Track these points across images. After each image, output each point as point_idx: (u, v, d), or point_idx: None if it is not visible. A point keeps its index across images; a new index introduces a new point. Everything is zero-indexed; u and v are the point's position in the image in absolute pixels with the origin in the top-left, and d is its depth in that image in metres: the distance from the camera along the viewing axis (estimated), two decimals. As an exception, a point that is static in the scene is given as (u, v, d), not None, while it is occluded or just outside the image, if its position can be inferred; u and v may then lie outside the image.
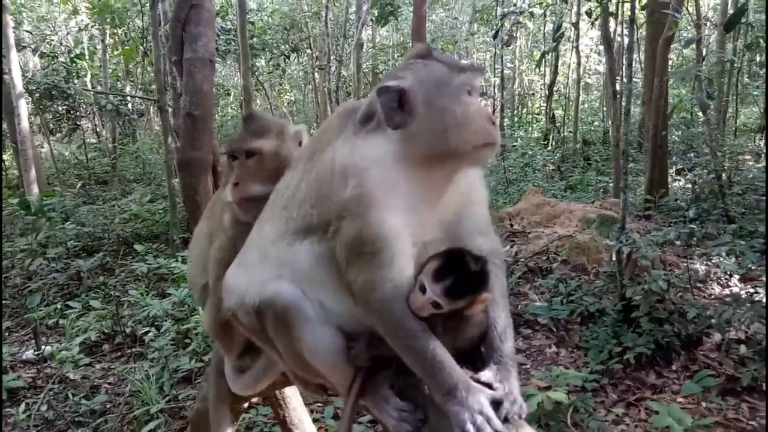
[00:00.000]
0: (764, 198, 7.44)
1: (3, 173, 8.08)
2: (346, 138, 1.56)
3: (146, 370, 5.51)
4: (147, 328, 6.22)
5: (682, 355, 5.22)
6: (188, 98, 2.62)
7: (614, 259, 5.92)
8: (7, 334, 7.05)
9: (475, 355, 1.59)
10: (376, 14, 14.06)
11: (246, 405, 2.67)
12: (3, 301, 7.54)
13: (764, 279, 5.75)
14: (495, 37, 13.66)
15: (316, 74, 21.40)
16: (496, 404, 1.42)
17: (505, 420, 1.39)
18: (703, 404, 4.54)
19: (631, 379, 5.05)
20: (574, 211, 8.16)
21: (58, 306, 7.26)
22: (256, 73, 19.37)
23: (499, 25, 13.17)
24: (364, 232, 1.45)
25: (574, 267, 6.93)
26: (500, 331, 1.57)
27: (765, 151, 6.86)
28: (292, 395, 2.61)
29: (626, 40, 8.31)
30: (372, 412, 1.59)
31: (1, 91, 10.64)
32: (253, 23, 18.44)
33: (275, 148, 1.88)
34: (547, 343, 5.81)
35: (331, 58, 18.91)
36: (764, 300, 5.03)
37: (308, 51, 21.28)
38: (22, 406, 5.25)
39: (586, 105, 25.05)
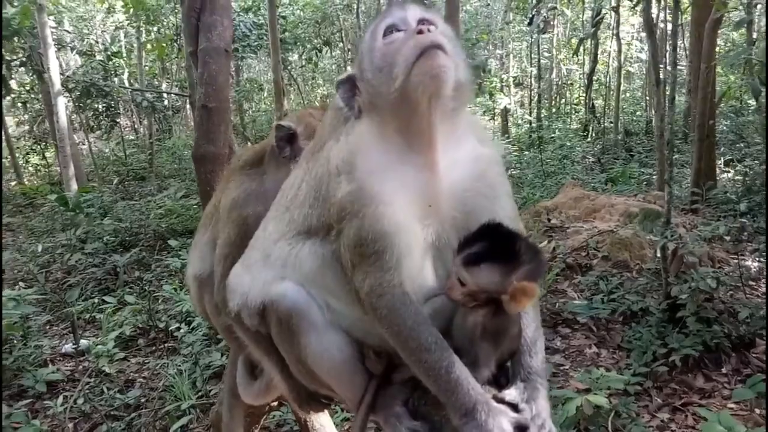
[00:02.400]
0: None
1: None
2: (337, 135, 1.48)
3: (179, 366, 5.53)
4: (179, 324, 6.25)
5: (732, 357, 4.92)
6: (203, 90, 2.51)
7: (659, 255, 5.62)
8: (47, 327, 7.21)
9: (500, 370, 1.44)
10: (409, 5, 13.88)
11: (267, 409, 2.58)
12: (44, 295, 7.71)
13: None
14: (530, 24, 13.29)
15: (348, 67, 21.32)
16: (522, 429, 1.28)
17: None
18: (757, 411, 4.25)
19: (677, 383, 4.79)
20: (616, 205, 7.82)
21: (96, 300, 7.38)
22: (289, 68, 19.42)
23: (534, 12, 12.78)
24: (364, 231, 1.34)
25: (615, 264, 6.64)
26: (530, 344, 1.42)
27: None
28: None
29: (670, 25, 7.90)
30: (384, 429, 1.46)
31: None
32: (284, 17, 18.47)
33: None
34: (586, 343, 5.57)
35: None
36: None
37: (340, 44, 21.19)
38: (60, 399, 5.34)
39: (627, 94, 24.25)
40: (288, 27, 19.25)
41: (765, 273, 5.21)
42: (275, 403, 2.60)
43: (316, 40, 20.51)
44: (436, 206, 1.40)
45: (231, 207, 1.94)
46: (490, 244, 1.30)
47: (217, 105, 2.52)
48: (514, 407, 1.33)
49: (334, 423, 2.77)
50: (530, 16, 13.43)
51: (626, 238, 6.73)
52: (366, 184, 1.36)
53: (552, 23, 17.82)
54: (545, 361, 1.45)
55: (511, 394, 1.35)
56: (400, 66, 1.31)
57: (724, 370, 4.87)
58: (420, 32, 1.31)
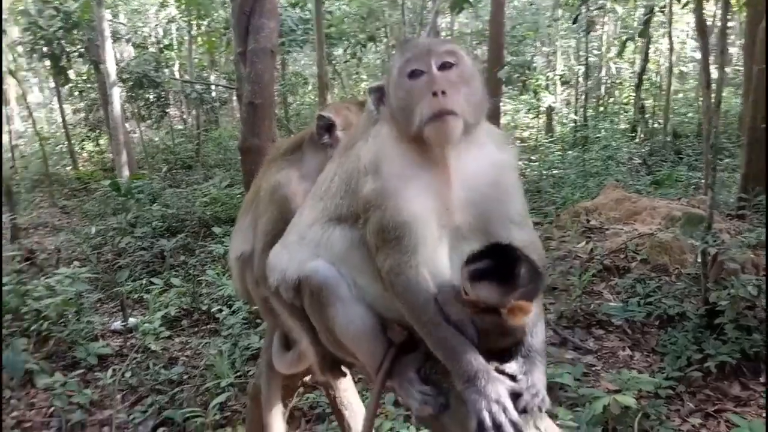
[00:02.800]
0: None
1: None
2: (366, 136, 1.68)
3: (220, 346, 5.78)
4: (221, 307, 6.52)
5: (772, 366, 4.82)
6: (250, 87, 2.70)
7: (699, 260, 5.54)
8: (98, 305, 7.62)
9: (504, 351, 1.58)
10: (450, 1, 13.82)
11: (300, 384, 2.74)
12: (96, 275, 8.14)
13: None
14: (574, 22, 13.06)
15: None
16: (517, 396, 1.42)
17: (524, 411, 1.39)
18: (794, 422, 4.17)
19: (711, 389, 4.73)
20: (658, 208, 7.69)
21: (143, 282, 7.75)
22: (333, 62, 19.64)
23: (580, 10, 12.56)
24: (385, 221, 1.53)
25: (654, 267, 6.55)
26: (530, 326, 1.56)
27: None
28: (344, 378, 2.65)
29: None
30: (398, 393, 1.62)
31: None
32: (330, 13, 18.69)
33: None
34: (620, 345, 5.55)
35: (407, 46, 18.82)
36: None
37: (384, 39, 21.29)
38: (109, 372, 5.68)
39: (680, 95, 23.54)
40: (334, 22, 19.48)
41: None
42: (307, 378, 2.76)
43: (360, 35, 20.68)
44: (451, 210, 1.57)
45: (273, 189, 2.12)
46: (494, 264, 1.43)
47: (262, 101, 2.71)
48: (513, 378, 1.47)
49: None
50: (575, 15, 13.19)
51: (666, 242, 6.63)
52: (388, 184, 1.54)
53: (599, 21, 17.40)
54: (545, 342, 1.60)
55: (511, 366, 1.50)
56: (416, 117, 1.48)
57: (762, 380, 4.78)
58: (435, 93, 1.46)
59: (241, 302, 6.38)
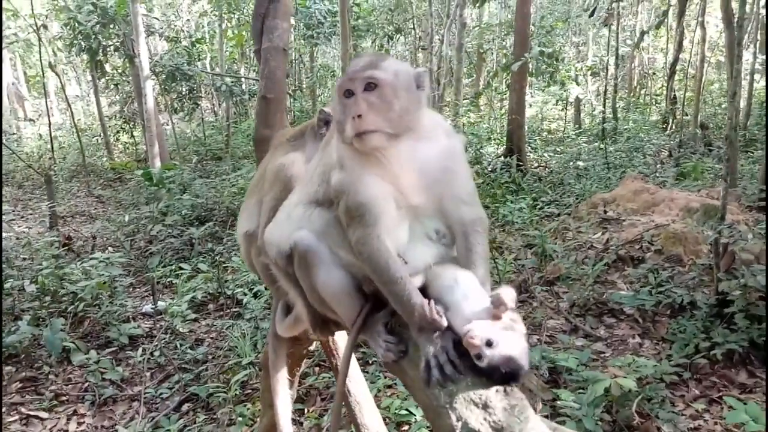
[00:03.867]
0: None
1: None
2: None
3: (243, 329, 6.06)
4: (245, 292, 6.82)
5: (781, 355, 4.86)
6: (263, 83, 2.94)
7: (711, 250, 5.58)
8: (130, 289, 8.01)
9: None
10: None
11: (306, 352, 2.96)
12: (129, 261, 8.55)
13: None
14: (591, 15, 12.89)
15: (419, 54, 21.48)
16: (460, 342, 1.64)
17: (465, 354, 1.61)
18: (798, 408, 4.23)
19: (718, 376, 4.80)
20: (676, 200, 7.67)
21: (173, 267, 8.11)
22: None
23: (597, 2, 12.39)
24: (349, 203, 1.82)
25: (668, 258, 6.58)
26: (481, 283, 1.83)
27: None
28: (344, 346, 2.86)
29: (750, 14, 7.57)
30: (368, 343, 1.91)
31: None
32: (358, 5, 18.84)
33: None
34: (630, 333, 5.64)
35: (435, 38, 18.89)
36: None
37: (412, 31, 21.35)
38: (139, 351, 6.03)
39: (715, 86, 22.97)
40: (361, 14, 19.65)
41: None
42: (312, 348, 2.99)
43: (388, 27, 20.81)
44: (405, 193, 1.84)
45: (279, 169, 2.40)
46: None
47: (274, 96, 2.96)
48: None
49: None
50: (592, 7, 13.02)
51: (682, 233, 6.65)
52: (349, 176, 1.84)
53: (614, 12, 17.04)
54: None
55: (448, 315, 1.75)
56: (346, 132, 1.77)
57: (770, 367, 4.82)
58: (359, 115, 1.73)
59: (263, 287, 6.67)
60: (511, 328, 1.65)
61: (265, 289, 6.50)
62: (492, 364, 1.55)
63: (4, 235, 7.70)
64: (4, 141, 15.15)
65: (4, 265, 6.99)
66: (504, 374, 1.55)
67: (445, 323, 1.68)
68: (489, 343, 1.57)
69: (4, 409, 5.13)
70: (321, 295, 1.96)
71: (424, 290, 1.82)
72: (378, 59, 1.82)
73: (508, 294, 1.71)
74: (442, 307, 1.71)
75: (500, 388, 1.52)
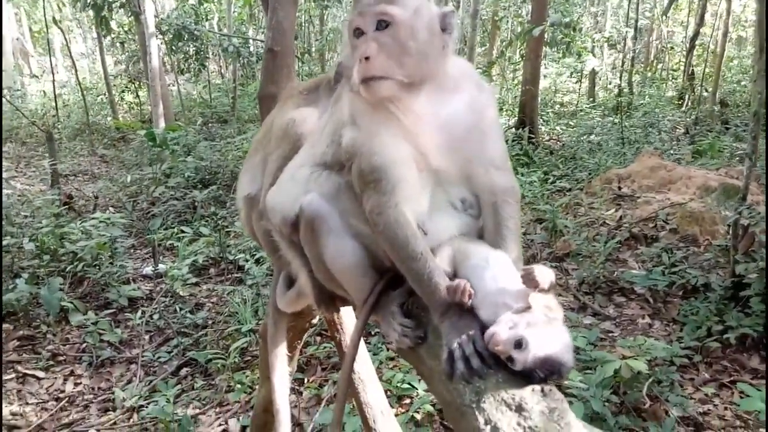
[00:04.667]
0: None
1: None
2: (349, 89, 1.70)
3: (244, 295, 5.96)
4: (247, 258, 6.69)
5: (797, 342, 4.71)
6: (270, 34, 2.70)
7: (729, 231, 5.38)
8: (131, 250, 7.91)
9: None
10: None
11: (308, 325, 2.82)
12: (131, 222, 8.43)
13: None
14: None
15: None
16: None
17: None
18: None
19: (729, 360, 4.66)
20: (693, 178, 7.43)
21: (175, 230, 7.99)
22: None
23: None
24: (363, 166, 1.60)
25: (683, 237, 6.39)
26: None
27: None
28: (349, 321, 2.72)
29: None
30: (381, 325, 1.68)
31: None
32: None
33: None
34: (640, 313, 5.49)
35: (449, 3, 18.35)
36: None
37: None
38: (139, 313, 5.96)
39: (735, 62, 22.36)
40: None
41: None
42: (314, 321, 2.85)
43: (401, -9, 20.19)
44: (426, 154, 1.61)
45: (288, 125, 2.11)
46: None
47: (282, 49, 2.70)
48: None
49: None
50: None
51: (698, 212, 6.43)
52: (362, 134, 1.62)
53: None
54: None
55: (475, 301, 1.52)
56: (354, 78, 1.53)
57: (782, 353, 4.68)
58: (366, 58, 1.49)
59: (265, 253, 6.53)
60: (547, 319, 1.41)
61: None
62: (527, 367, 1.34)
63: (4, 191, 7.56)
64: (7, 97, 14.94)
65: (4, 222, 6.88)
66: (543, 376, 1.34)
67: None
68: (519, 345, 1.34)
69: None
70: (329, 268, 1.73)
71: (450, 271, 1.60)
72: None
73: (544, 273, 1.45)
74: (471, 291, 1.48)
75: (537, 387, 1.30)
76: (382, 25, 1.51)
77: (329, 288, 1.87)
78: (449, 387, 1.36)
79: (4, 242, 6.34)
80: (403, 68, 1.51)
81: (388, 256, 1.64)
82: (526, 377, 1.34)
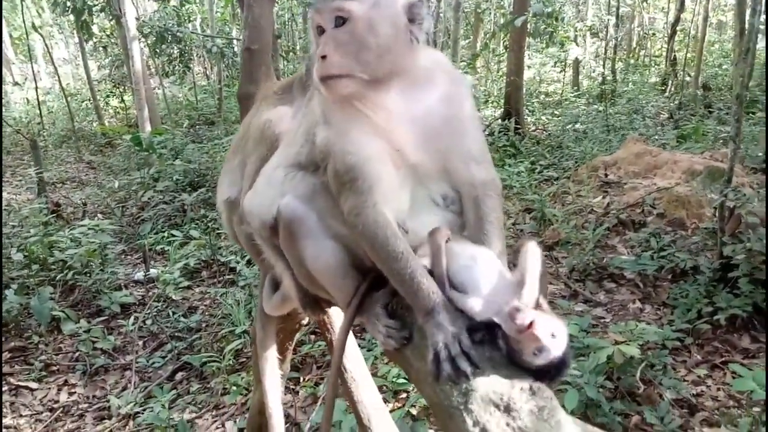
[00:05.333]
0: None
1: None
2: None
3: (237, 296, 5.94)
4: (239, 259, 6.67)
5: (786, 320, 4.77)
6: (248, 33, 2.68)
7: (716, 214, 5.43)
8: (122, 256, 7.86)
9: None
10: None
11: (297, 326, 2.82)
12: (120, 227, 8.38)
13: None
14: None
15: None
16: (475, 330, 1.41)
17: (481, 343, 1.38)
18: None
19: (720, 341, 4.72)
20: (679, 162, 7.48)
21: (165, 234, 7.95)
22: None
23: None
24: (338, 166, 1.56)
25: (671, 221, 6.44)
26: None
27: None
28: (339, 320, 2.72)
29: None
30: (366, 327, 1.65)
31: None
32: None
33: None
34: (631, 298, 5.54)
35: (431, -3, 18.30)
36: None
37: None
38: (131, 319, 5.92)
39: (716, 46, 22.54)
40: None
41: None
42: (304, 322, 2.85)
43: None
44: (402, 150, 1.57)
45: (265, 126, 2.10)
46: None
47: (260, 47, 2.69)
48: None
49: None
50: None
51: (685, 196, 6.49)
52: (335, 132, 1.58)
53: None
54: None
55: (470, 301, 1.48)
56: (313, 79, 1.52)
57: (773, 332, 4.74)
58: (323, 57, 1.47)
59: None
60: (551, 314, 1.37)
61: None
62: (550, 360, 1.28)
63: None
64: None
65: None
66: (551, 371, 1.30)
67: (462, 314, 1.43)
68: (553, 335, 1.29)
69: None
70: (310, 270, 1.70)
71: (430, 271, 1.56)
72: None
73: (531, 291, 1.40)
74: (458, 291, 1.46)
75: (525, 386, 1.26)
76: (340, 21, 1.48)
77: (312, 291, 1.84)
78: (436, 389, 1.34)
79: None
80: (363, 65, 1.47)
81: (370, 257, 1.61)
82: (537, 374, 1.30)
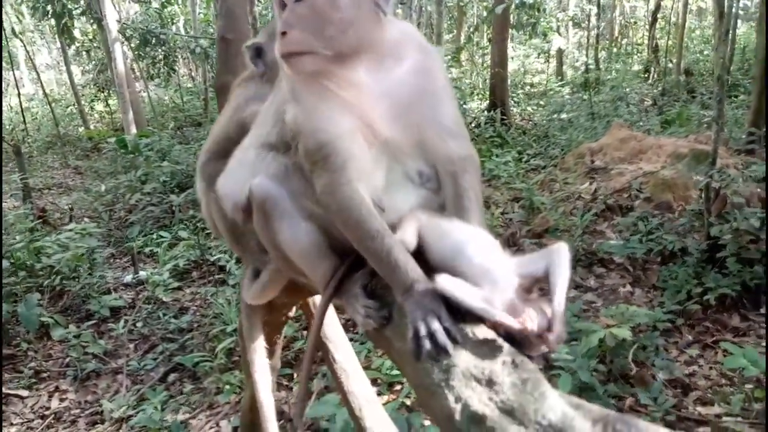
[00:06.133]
0: None
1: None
2: None
3: (227, 296, 5.91)
4: (228, 258, 6.63)
5: (773, 298, 4.81)
6: (222, 23, 2.65)
7: (702, 195, 5.47)
8: (111, 260, 7.79)
9: None
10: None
11: (284, 318, 2.80)
12: (109, 231, 8.30)
13: None
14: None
15: (398, 11, 20.86)
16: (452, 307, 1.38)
17: (461, 317, 1.35)
18: (791, 350, 4.19)
19: (711, 321, 4.75)
20: (664, 146, 7.52)
21: (154, 236, 7.89)
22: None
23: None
24: (309, 144, 1.52)
25: (658, 205, 6.48)
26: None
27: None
28: (327, 310, 2.70)
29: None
30: (345, 309, 1.62)
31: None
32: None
33: None
34: (621, 282, 5.57)
35: (413, -8, 18.28)
36: None
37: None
38: (122, 322, 5.87)
39: (697, 32, 22.71)
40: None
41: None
42: (291, 314, 2.83)
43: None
44: (374, 125, 1.52)
45: (233, 112, 2.13)
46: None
47: (235, 37, 2.65)
48: None
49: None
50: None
51: (671, 179, 6.53)
52: (304, 109, 1.53)
53: None
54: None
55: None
56: (277, 57, 1.47)
57: (762, 311, 4.78)
58: (283, 33, 1.42)
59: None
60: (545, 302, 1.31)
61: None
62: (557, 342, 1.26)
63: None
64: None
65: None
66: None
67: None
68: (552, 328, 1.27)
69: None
70: (286, 253, 1.66)
71: (419, 253, 1.51)
72: None
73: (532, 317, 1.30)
74: (450, 274, 1.39)
75: (507, 359, 1.22)
76: None
77: (291, 275, 1.80)
78: (417, 367, 1.31)
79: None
80: (325, 40, 1.43)
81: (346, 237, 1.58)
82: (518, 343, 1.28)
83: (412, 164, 1.61)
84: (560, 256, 1.38)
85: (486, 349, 1.27)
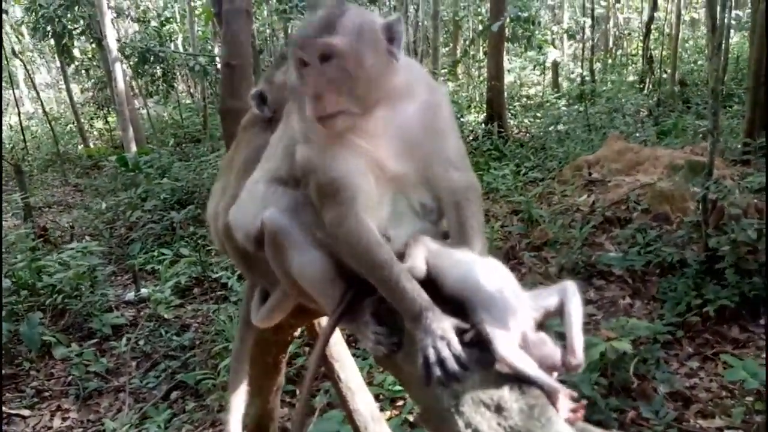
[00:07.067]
0: None
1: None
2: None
3: (229, 312, 5.92)
4: (230, 275, 6.66)
5: (772, 309, 4.84)
6: (226, 49, 2.72)
7: (699, 207, 5.52)
8: (112, 278, 7.81)
9: None
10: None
11: (290, 338, 2.82)
12: (109, 249, 8.32)
13: None
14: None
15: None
16: (463, 332, 1.41)
17: (470, 345, 1.38)
18: (792, 361, 4.21)
19: (710, 333, 4.77)
20: (660, 157, 7.60)
21: (155, 253, 7.91)
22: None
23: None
24: (321, 179, 1.58)
25: (655, 217, 6.52)
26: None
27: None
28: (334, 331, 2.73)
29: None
30: (356, 335, 1.67)
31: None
32: (330, -25, 18.28)
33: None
34: (620, 294, 5.59)
35: (410, 7, 18.49)
36: None
37: (387, 1, 20.87)
38: (124, 340, 5.88)
39: (690, 43, 22.91)
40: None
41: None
42: (296, 334, 2.85)
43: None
44: (383, 163, 1.59)
45: (245, 163, 2.13)
46: None
47: (239, 62, 2.72)
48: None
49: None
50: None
51: (668, 191, 6.58)
52: (316, 150, 1.60)
53: None
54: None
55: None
56: (308, 115, 1.52)
57: (762, 322, 4.81)
58: (315, 96, 1.48)
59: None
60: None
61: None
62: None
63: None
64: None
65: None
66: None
67: (449, 317, 1.43)
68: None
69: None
70: (297, 281, 1.71)
71: (427, 282, 1.53)
72: (334, 16, 1.49)
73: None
74: (467, 304, 1.44)
75: (515, 385, 1.26)
76: (326, 57, 1.48)
77: (301, 302, 1.86)
78: (427, 393, 1.34)
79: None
80: (356, 100, 1.50)
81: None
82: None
83: (416, 197, 1.69)
84: (572, 292, 1.44)
85: (494, 375, 1.31)
